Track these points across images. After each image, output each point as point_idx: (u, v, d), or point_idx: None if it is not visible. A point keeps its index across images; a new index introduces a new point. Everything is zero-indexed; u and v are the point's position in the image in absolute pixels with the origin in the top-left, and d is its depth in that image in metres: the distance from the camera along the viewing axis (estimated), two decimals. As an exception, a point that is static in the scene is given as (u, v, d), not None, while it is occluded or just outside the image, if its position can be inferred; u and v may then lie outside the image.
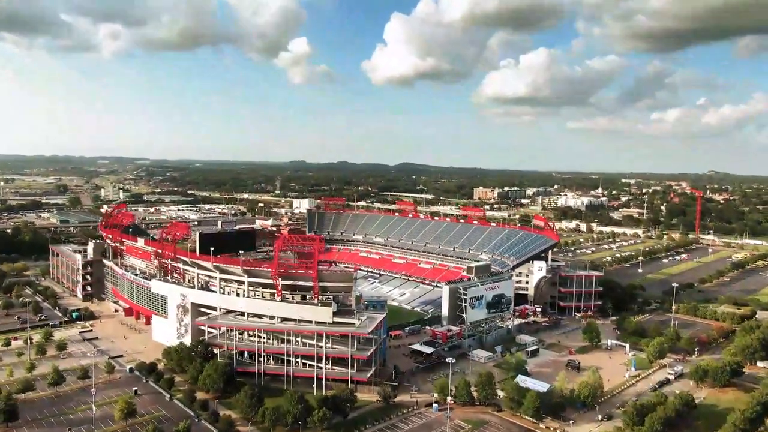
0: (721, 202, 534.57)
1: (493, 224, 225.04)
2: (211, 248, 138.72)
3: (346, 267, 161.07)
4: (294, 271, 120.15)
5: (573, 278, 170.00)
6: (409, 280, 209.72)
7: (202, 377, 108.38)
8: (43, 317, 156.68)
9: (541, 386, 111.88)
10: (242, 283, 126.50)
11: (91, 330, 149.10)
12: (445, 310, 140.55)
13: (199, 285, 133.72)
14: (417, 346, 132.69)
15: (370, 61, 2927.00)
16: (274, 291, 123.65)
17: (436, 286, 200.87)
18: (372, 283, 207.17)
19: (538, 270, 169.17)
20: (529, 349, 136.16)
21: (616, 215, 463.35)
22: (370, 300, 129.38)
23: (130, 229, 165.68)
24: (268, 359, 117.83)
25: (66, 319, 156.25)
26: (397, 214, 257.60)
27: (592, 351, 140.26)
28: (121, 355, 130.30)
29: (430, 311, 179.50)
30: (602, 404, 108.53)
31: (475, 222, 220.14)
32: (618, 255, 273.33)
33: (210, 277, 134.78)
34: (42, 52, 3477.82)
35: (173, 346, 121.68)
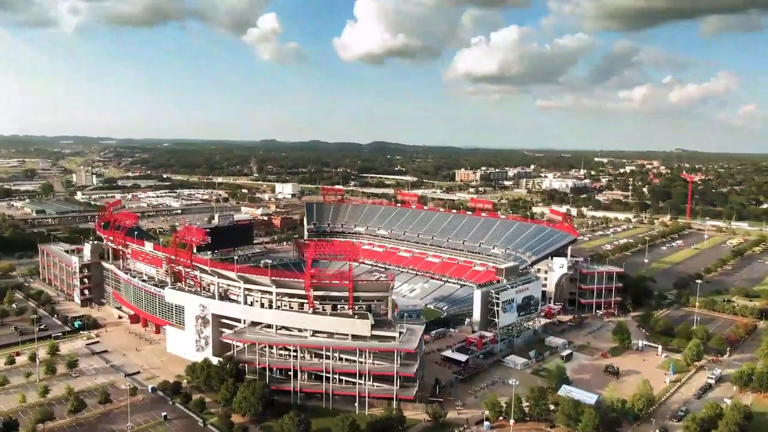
0: (699, 183, 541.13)
1: (502, 216, 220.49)
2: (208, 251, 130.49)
3: (379, 273, 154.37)
4: (328, 282, 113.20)
5: (594, 275, 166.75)
6: (417, 274, 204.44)
7: (237, 400, 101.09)
8: (42, 327, 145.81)
9: (589, 397, 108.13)
10: (266, 292, 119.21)
11: (98, 341, 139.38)
12: (476, 315, 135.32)
13: (217, 293, 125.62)
14: (449, 354, 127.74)
15: (341, 39, 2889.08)
16: (302, 300, 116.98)
17: (447, 281, 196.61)
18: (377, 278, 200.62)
19: (559, 267, 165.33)
20: (564, 354, 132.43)
21: (601, 198, 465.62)
22: (404, 309, 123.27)
23: (136, 232, 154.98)
24: (303, 376, 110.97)
25: (68, 329, 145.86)
26: (399, 205, 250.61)
27: (623, 353, 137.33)
28: (138, 372, 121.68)
29: (444, 309, 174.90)
30: (652, 415, 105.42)
31: (483, 214, 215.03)
32: (617, 243, 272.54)
33: (229, 285, 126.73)
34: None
35: (198, 363, 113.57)
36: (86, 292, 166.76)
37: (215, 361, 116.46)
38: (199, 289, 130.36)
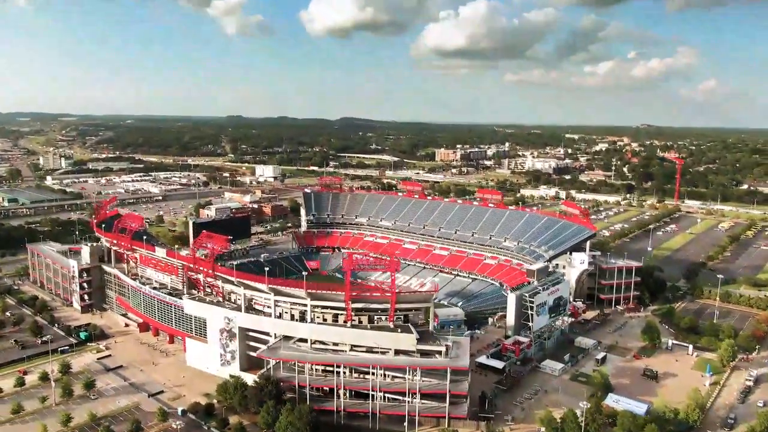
0: (674, 161, 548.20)
1: (510, 208, 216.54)
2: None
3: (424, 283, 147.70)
4: (369, 294, 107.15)
5: (614, 270, 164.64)
6: (425, 267, 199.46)
7: (281, 425, 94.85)
8: (45, 339, 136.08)
9: (638, 407, 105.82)
10: (298, 303, 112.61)
11: (110, 354, 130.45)
12: (510, 320, 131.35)
13: (244, 305, 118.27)
14: (484, 360, 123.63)
15: (308, 11, 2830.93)
16: (336, 312, 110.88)
17: (458, 275, 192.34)
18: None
19: (580, 263, 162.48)
20: (598, 357, 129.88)
21: (584, 178, 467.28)
22: (445, 319, 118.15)
23: (144, 237, 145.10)
24: (345, 394, 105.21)
25: (74, 340, 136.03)
26: (401, 194, 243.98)
27: (654, 353, 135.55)
28: (162, 391, 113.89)
29: (459, 305, 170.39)
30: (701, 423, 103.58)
31: (491, 205, 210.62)
32: (613, 228, 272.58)
33: (253, 294, 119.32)
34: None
35: (231, 382, 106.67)
36: (86, 297, 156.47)
37: (243, 376, 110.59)
38: (221, 299, 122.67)
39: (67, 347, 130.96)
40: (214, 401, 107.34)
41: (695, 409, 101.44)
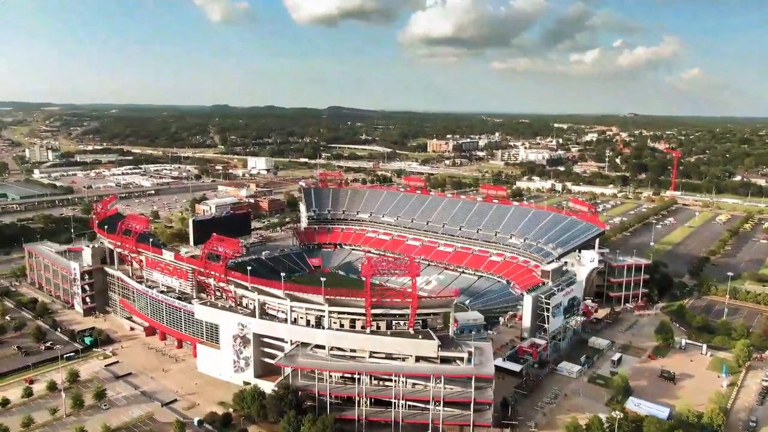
0: (666, 152, 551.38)
1: (515, 204, 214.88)
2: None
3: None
4: (390, 300, 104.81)
5: (624, 267, 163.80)
6: (430, 264, 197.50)
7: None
8: (48, 344, 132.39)
9: (660, 410, 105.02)
10: (314, 309, 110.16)
11: (118, 361, 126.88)
12: (526, 322, 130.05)
13: (258, 310, 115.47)
14: (501, 363, 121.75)
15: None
16: (353, 317, 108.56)
17: (463, 272, 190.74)
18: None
19: (590, 261, 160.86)
20: (614, 358, 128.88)
21: (578, 169, 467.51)
22: (465, 323, 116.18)
23: (151, 239, 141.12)
24: (365, 402, 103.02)
25: (79, 345, 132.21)
26: (402, 190, 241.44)
27: (668, 353, 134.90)
28: (175, 400, 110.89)
29: (467, 303, 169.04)
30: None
31: (496, 201, 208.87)
32: (612, 222, 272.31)
33: (265, 300, 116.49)
34: None
35: (248, 390, 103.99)
36: (88, 300, 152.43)
37: (258, 383, 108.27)
38: (233, 304, 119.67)
39: (72, 353, 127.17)
40: (231, 410, 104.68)
41: (720, 414, 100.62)
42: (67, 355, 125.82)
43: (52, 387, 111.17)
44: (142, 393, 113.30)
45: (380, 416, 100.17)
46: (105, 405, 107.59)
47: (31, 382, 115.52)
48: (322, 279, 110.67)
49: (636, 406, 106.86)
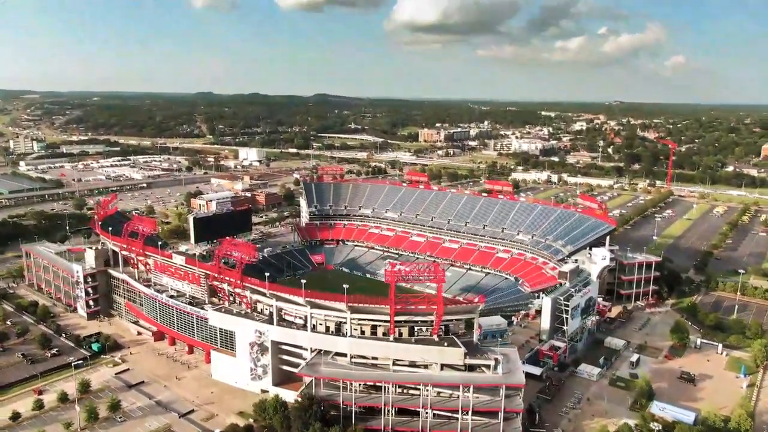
0: (658, 143, 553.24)
1: (521, 199, 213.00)
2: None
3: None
4: (414, 307, 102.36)
5: (635, 265, 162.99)
6: (435, 261, 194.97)
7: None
8: (55, 352, 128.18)
9: (686, 415, 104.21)
10: (333, 316, 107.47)
11: (128, 368, 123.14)
12: (545, 324, 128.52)
13: (275, 317, 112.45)
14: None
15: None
16: (374, 324, 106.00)
17: (470, 269, 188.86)
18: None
19: (602, 259, 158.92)
20: (632, 359, 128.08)
21: (571, 160, 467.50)
22: (488, 329, 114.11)
23: (160, 242, 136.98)
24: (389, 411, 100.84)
25: (86, 352, 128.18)
26: (405, 184, 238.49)
27: (684, 353, 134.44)
28: (192, 410, 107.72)
29: (476, 301, 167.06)
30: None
31: (501, 196, 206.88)
32: (613, 214, 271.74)
33: (283, 306, 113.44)
34: None
35: (269, 401, 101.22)
36: (92, 303, 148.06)
37: (277, 391, 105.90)
38: (249, 310, 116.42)
39: (80, 361, 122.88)
40: (251, 421, 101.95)
41: (747, 418, 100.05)
42: (76, 363, 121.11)
43: (64, 398, 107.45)
44: (157, 403, 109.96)
45: (406, 426, 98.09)
46: (120, 417, 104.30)
47: (40, 392, 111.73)
48: (345, 286, 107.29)
49: (661, 410, 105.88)
